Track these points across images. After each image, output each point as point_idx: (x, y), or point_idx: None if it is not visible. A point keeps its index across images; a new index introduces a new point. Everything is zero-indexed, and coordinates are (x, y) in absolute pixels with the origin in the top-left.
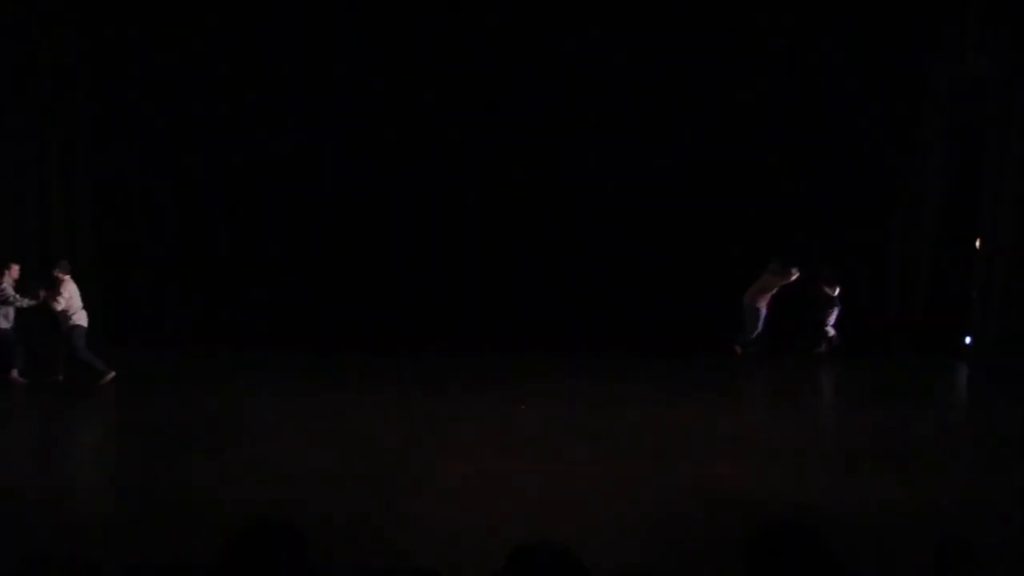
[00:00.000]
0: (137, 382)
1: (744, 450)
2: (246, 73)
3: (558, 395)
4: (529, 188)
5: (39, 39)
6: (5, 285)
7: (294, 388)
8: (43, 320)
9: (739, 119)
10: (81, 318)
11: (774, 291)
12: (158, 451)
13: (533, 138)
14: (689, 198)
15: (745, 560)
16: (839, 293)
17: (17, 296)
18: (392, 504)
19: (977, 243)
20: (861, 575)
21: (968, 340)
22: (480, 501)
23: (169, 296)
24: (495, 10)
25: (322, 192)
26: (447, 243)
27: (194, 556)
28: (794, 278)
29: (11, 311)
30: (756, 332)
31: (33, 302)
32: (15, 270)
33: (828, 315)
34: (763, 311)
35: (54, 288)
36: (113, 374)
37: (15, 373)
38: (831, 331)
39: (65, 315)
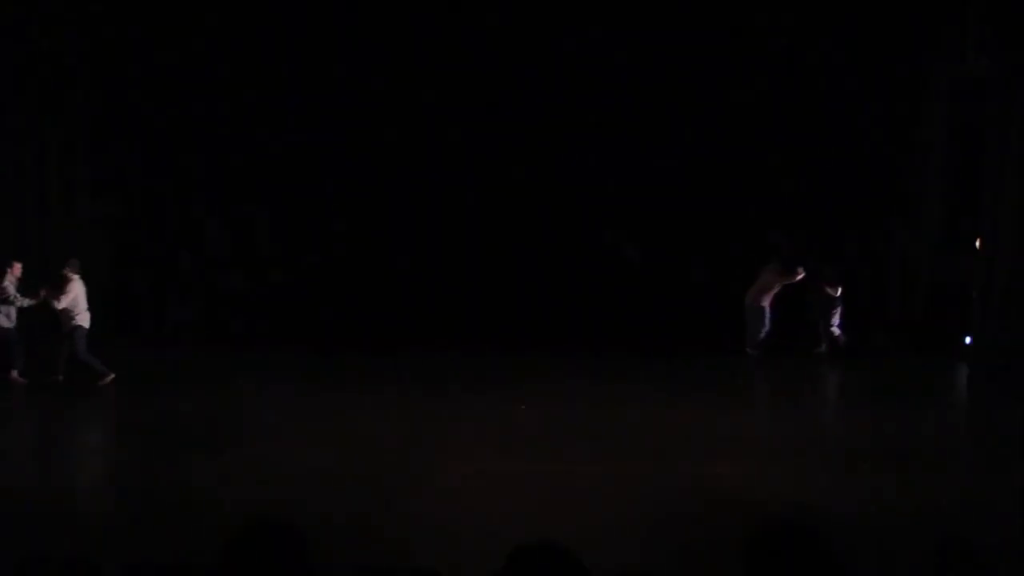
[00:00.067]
0: (137, 382)
1: (744, 450)
2: (246, 73)
3: (558, 395)
4: (529, 188)
5: (39, 39)
6: (7, 284)
7: (294, 388)
8: (44, 320)
9: (739, 119)
10: (84, 319)
11: (776, 290)
12: (158, 451)
13: (533, 138)
14: (689, 198)
15: (745, 560)
16: (840, 293)
17: (18, 295)
18: (392, 504)
19: (977, 243)
20: (861, 575)
21: (968, 340)
22: (480, 501)
23: (169, 296)
24: (495, 10)
25: (322, 192)
26: (447, 243)
27: (194, 556)
28: (798, 278)
29: (13, 311)
30: (764, 331)
31: (33, 302)
32: (17, 268)
33: (832, 315)
34: (767, 310)
35: (59, 287)
36: (113, 376)
37: (15, 373)
38: (837, 331)
39: (67, 314)
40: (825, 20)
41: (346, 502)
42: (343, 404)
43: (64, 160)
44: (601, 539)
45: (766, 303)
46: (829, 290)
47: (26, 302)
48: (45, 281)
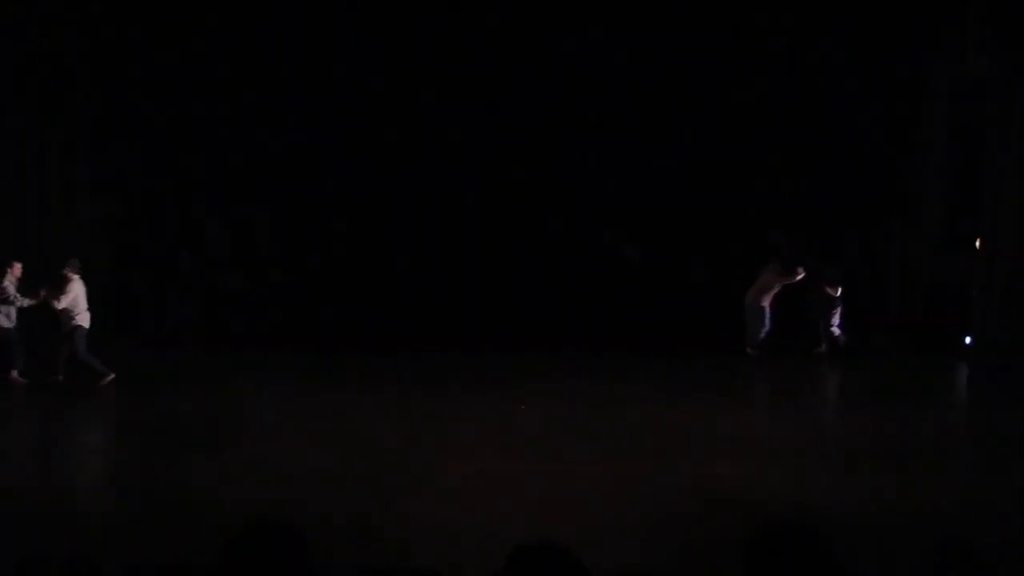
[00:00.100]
0: (137, 382)
1: (744, 450)
2: (246, 73)
3: (558, 395)
4: (529, 188)
5: (39, 39)
6: (7, 284)
7: (294, 388)
8: (44, 320)
9: (739, 119)
10: (84, 319)
11: (776, 290)
12: (158, 451)
13: (533, 138)
14: (689, 198)
15: (745, 560)
16: (840, 293)
17: (18, 295)
18: (392, 504)
19: (977, 243)
20: (861, 575)
21: (968, 340)
22: (480, 501)
23: (169, 296)
24: (495, 10)
25: (322, 192)
26: (447, 243)
27: (194, 556)
28: (799, 278)
29: (13, 311)
30: (765, 331)
31: (33, 301)
32: (17, 268)
33: (832, 315)
34: (767, 310)
35: (59, 287)
36: (112, 376)
37: (15, 373)
38: (837, 331)
39: (67, 314)
40: (825, 20)
41: (346, 502)
42: (343, 404)
43: (64, 160)
44: (601, 539)
45: (766, 303)
46: (829, 290)
47: (26, 302)
48: (45, 281)
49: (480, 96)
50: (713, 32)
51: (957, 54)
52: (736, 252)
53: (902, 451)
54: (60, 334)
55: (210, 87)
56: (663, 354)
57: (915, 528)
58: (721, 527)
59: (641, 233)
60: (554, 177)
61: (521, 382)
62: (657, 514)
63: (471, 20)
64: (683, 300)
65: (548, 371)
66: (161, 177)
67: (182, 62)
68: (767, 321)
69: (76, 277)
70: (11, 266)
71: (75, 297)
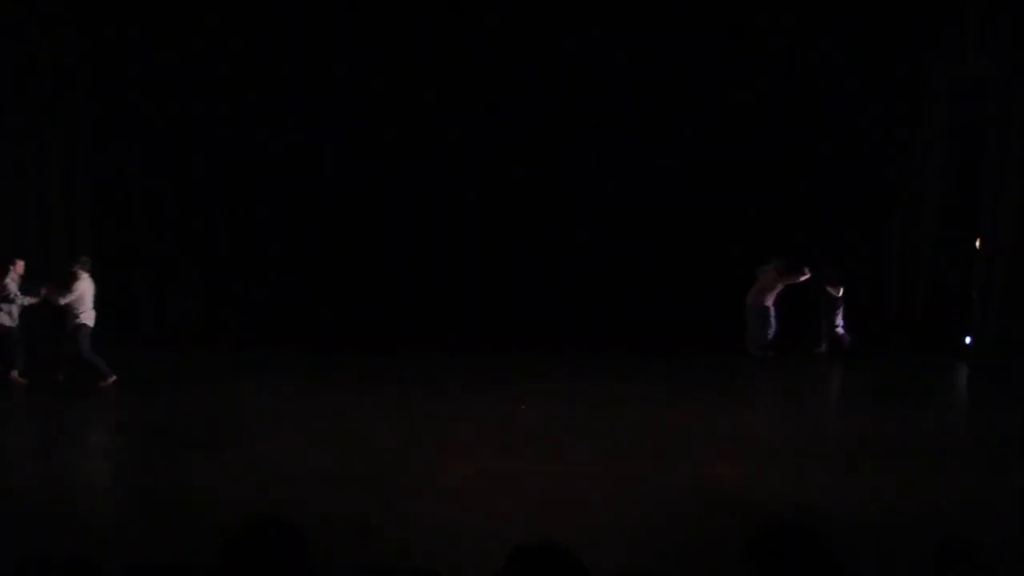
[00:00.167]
0: (137, 382)
1: (744, 450)
2: (246, 73)
3: (558, 395)
4: (529, 188)
5: (39, 39)
6: (8, 281)
7: (294, 388)
8: (45, 319)
9: (739, 119)
10: (88, 317)
11: (779, 290)
12: (158, 451)
13: (533, 138)
14: (689, 198)
15: (745, 560)
16: (842, 293)
17: (19, 294)
18: (392, 504)
19: (977, 243)
20: (861, 575)
21: (968, 340)
22: (480, 501)
23: (169, 296)
24: (495, 10)
25: (322, 192)
26: (447, 243)
27: (194, 556)
28: (803, 279)
29: (15, 309)
30: (772, 331)
31: (35, 300)
32: (20, 266)
33: (836, 316)
34: (772, 310)
35: (66, 284)
36: (114, 378)
37: (15, 373)
38: (841, 331)
39: (72, 311)
40: (825, 20)
41: (346, 502)
42: (343, 404)
43: (64, 160)
44: (601, 539)
45: (769, 303)
46: (831, 290)
47: (27, 300)
48: (46, 280)
49: (480, 96)
50: (713, 32)
51: (957, 54)
52: (736, 252)
53: (902, 451)
54: (63, 333)
55: (210, 87)
56: (663, 354)
57: (915, 528)
58: (721, 527)
59: (641, 233)
60: (554, 177)
61: (521, 382)
62: (657, 514)
63: (471, 20)
64: (683, 300)
65: (548, 371)
66: (161, 177)
67: (182, 62)
68: (773, 322)
69: (85, 275)
70: (13, 264)
71: (81, 295)
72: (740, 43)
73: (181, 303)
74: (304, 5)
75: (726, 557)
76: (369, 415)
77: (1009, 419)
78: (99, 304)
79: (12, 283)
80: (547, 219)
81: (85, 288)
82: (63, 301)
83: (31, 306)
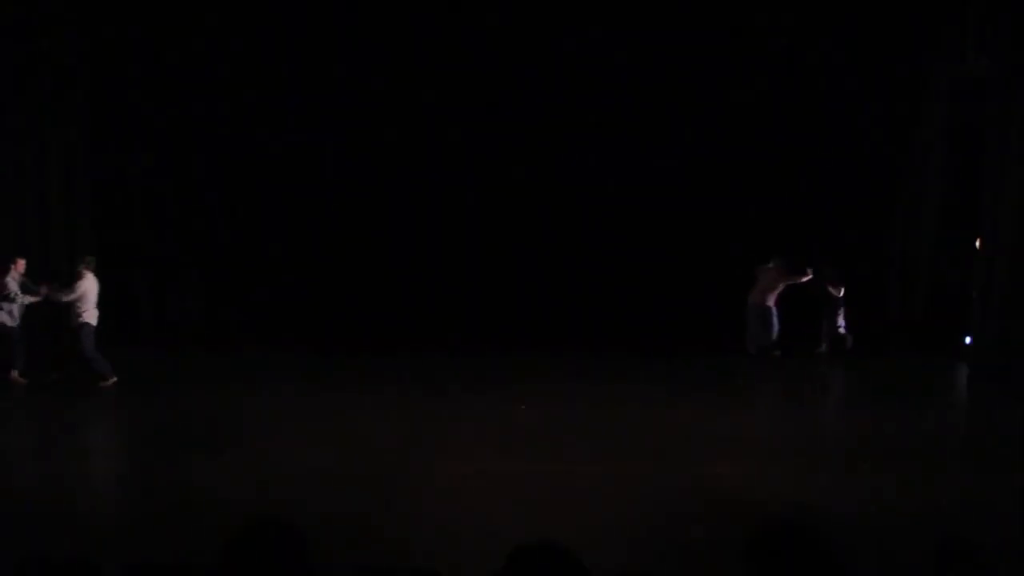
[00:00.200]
0: (137, 382)
1: (744, 450)
2: (246, 73)
3: (558, 395)
4: (529, 188)
5: (39, 39)
6: (9, 280)
7: (294, 388)
8: (45, 319)
9: (739, 119)
10: (92, 316)
11: (780, 290)
12: (158, 451)
13: (533, 138)
14: (689, 198)
15: (745, 560)
16: (843, 293)
17: (19, 293)
18: (392, 504)
19: (977, 243)
20: (861, 575)
21: (968, 340)
22: (480, 501)
23: (169, 296)
24: (495, 10)
25: (322, 192)
26: (447, 243)
27: (194, 556)
28: (804, 279)
29: (15, 308)
30: (776, 331)
31: (35, 299)
32: (21, 264)
33: (837, 316)
34: (775, 310)
35: (71, 282)
36: (115, 379)
37: (15, 373)
38: (843, 331)
39: (75, 309)
40: (825, 20)
41: (346, 502)
42: (343, 404)
43: (64, 160)
44: (601, 539)
45: (771, 303)
46: (832, 290)
47: (28, 299)
48: (46, 279)
49: (480, 96)
50: (713, 32)
51: (957, 54)
52: (736, 252)
53: (902, 451)
54: (62, 331)
55: (210, 87)
56: (663, 354)
57: (915, 528)
58: (721, 527)
59: (641, 233)
60: (554, 177)
61: (521, 382)
62: (657, 514)
63: (471, 20)
64: (683, 300)
65: (548, 371)
66: (161, 177)
67: (182, 62)
68: (776, 322)
69: (89, 274)
70: (14, 262)
71: (84, 294)
72: (740, 43)
73: (181, 303)
74: (304, 5)
75: (726, 557)
76: (369, 415)
77: (1009, 419)
78: (99, 304)
79: (13, 282)
80: (547, 219)
81: (88, 287)
82: (66, 299)
83: (32, 305)
